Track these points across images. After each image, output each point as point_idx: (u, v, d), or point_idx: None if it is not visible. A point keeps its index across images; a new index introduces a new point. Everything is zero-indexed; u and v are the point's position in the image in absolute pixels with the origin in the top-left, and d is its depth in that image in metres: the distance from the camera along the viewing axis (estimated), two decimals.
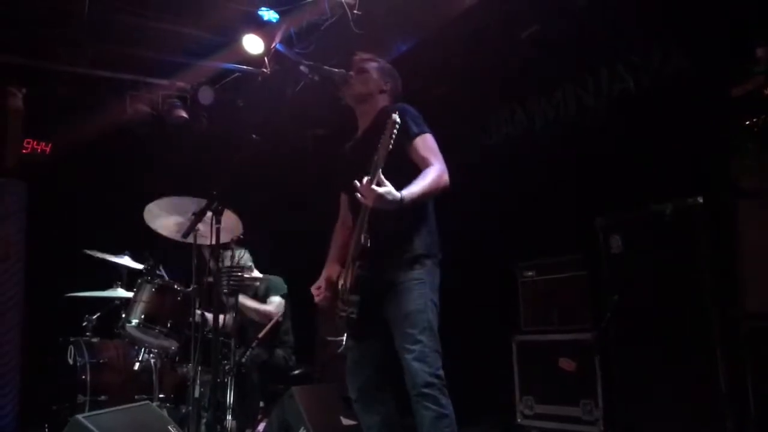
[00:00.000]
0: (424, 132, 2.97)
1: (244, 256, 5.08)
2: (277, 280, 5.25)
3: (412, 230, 2.93)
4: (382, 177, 2.64)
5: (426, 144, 2.94)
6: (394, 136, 2.60)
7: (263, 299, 5.13)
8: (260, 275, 5.20)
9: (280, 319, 5.08)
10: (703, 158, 3.88)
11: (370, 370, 3.01)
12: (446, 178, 2.86)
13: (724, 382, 3.39)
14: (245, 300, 4.92)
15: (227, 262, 4.24)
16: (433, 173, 2.83)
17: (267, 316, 5.00)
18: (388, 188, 2.64)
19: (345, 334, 3.01)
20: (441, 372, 2.77)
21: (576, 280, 4.34)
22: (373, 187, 2.61)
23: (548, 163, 4.97)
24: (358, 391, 3.03)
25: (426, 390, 2.73)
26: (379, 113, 3.12)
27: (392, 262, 2.89)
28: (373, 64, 3.22)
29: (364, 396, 3.03)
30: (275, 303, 5.13)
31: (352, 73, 3.16)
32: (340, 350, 3.04)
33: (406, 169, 2.85)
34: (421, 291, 2.86)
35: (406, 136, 2.88)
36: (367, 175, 2.65)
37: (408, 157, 2.92)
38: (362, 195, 2.66)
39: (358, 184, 2.65)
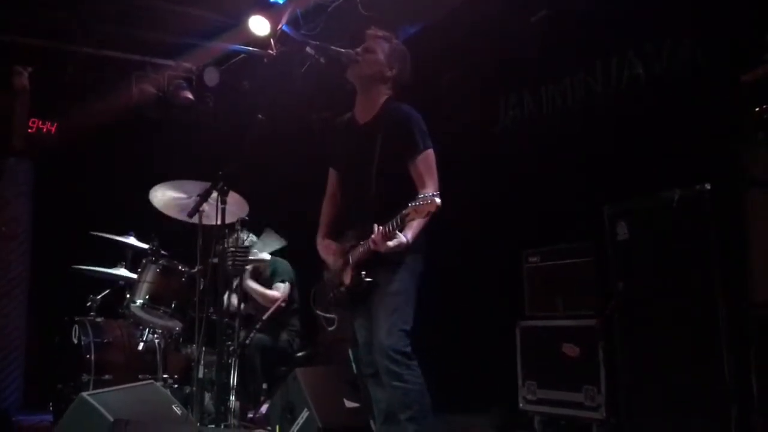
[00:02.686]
0: (427, 147, 3.04)
1: (251, 238, 5.11)
2: (284, 265, 5.26)
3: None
4: (397, 231, 2.81)
5: (426, 162, 3.02)
6: (422, 214, 2.72)
7: (268, 282, 5.14)
8: (268, 257, 5.22)
9: (283, 304, 5.13)
10: (712, 146, 3.85)
11: None
12: (439, 201, 2.89)
13: (729, 371, 3.38)
14: (251, 283, 4.95)
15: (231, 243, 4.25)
16: (429, 203, 2.85)
17: (271, 300, 5.02)
18: (398, 240, 2.83)
19: (335, 314, 3.10)
20: (406, 349, 2.92)
21: (581, 266, 4.32)
22: (388, 243, 2.82)
23: (556, 150, 4.93)
24: (373, 367, 3.10)
25: (391, 366, 2.88)
26: (386, 106, 3.15)
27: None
28: (384, 45, 3.17)
29: (378, 373, 3.10)
30: (281, 288, 5.16)
31: (359, 49, 3.13)
32: (331, 328, 3.11)
33: (401, 175, 2.99)
34: (401, 276, 2.99)
35: (411, 148, 3.02)
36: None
37: (406, 164, 3.02)
38: (375, 242, 2.85)
39: (375, 229, 2.84)
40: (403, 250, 2.87)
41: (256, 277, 5.22)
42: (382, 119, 3.12)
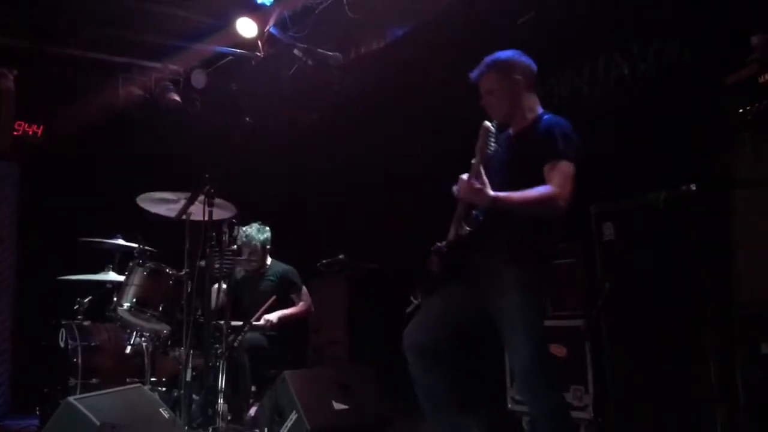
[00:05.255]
0: (566, 156, 2.95)
1: (266, 235, 5.16)
2: (293, 271, 5.31)
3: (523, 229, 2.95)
4: (482, 172, 2.82)
5: (559, 168, 2.92)
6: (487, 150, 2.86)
7: (283, 291, 5.15)
8: (269, 260, 5.28)
9: (313, 309, 5.29)
10: (698, 146, 3.88)
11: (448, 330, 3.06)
12: (559, 203, 2.87)
13: (715, 371, 3.40)
14: (284, 312, 5.02)
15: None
16: (544, 191, 2.86)
17: (302, 312, 5.17)
18: (481, 185, 2.81)
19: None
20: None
21: (568, 267, 4.32)
22: (471, 181, 2.82)
23: None
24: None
25: None
26: (536, 121, 3.11)
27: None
28: (492, 75, 3.14)
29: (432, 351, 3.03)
30: (305, 295, 5.26)
31: (482, 100, 3.13)
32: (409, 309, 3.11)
33: (537, 177, 2.91)
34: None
35: (550, 151, 2.94)
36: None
37: (541, 166, 2.94)
38: (459, 188, 2.87)
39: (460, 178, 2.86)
40: (486, 201, 2.83)
41: (252, 275, 5.25)
42: (532, 128, 3.10)
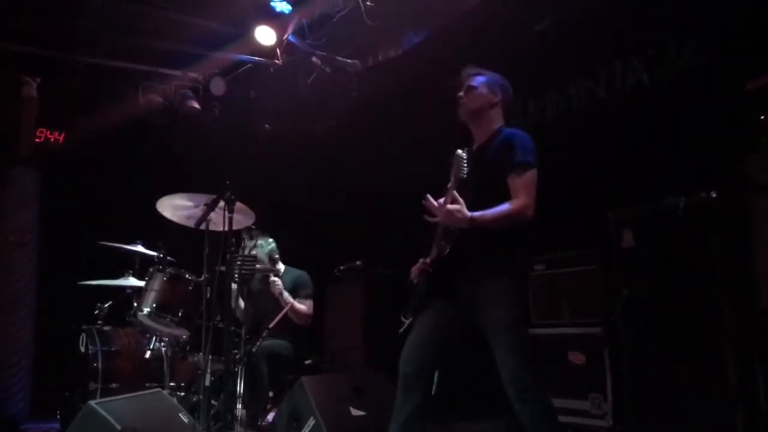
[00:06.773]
0: (526, 165, 3.06)
1: (270, 246, 5.16)
2: (305, 277, 5.29)
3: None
4: (457, 196, 2.93)
5: (522, 178, 3.04)
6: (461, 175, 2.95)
7: (296, 294, 5.15)
8: (282, 267, 5.27)
9: (310, 318, 5.21)
10: (717, 153, 3.86)
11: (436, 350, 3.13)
12: (528, 213, 3.00)
13: (734, 377, 3.38)
14: (296, 304, 5.02)
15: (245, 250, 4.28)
16: (513, 206, 2.99)
17: (302, 315, 5.09)
18: (459, 206, 2.93)
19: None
20: None
21: (587, 274, 4.32)
22: (447, 206, 2.94)
23: (560, 157, 4.93)
24: (414, 366, 3.10)
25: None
26: (495, 134, 3.24)
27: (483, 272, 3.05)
28: (481, 79, 3.28)
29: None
30: (308, 304, 5.20)
31: (461, 93, 3.27)
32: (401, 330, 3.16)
33: (500, 188, 3.04)
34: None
35: (510, 163, 3.07)
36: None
37: (505, 179, 3.06)
38: (434, 213, 2.98)
39: (431, 202, 2.98)
40: (465, 223, 2.94)
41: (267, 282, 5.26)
42: (492, 141, 3.22)
